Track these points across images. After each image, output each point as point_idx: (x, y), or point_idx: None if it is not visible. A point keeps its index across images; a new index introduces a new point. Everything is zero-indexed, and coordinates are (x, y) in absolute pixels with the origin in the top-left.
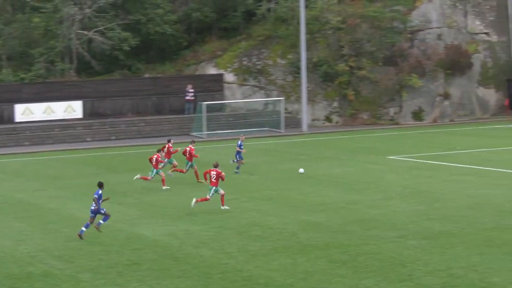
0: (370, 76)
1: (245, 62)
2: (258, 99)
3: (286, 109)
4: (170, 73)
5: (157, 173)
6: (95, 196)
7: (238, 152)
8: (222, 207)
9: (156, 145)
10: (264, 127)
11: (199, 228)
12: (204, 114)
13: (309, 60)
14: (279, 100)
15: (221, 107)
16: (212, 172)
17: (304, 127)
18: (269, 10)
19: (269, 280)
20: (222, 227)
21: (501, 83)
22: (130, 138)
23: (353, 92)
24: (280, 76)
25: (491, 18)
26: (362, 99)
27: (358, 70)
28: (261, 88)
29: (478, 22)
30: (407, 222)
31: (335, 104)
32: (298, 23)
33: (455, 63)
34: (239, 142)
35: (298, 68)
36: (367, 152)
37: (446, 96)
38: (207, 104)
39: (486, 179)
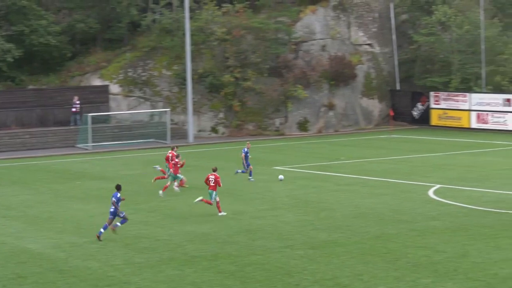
0: (255, 87)
1: (130, 73)
2: (143, 111)
3: (172, 120)
4: (55, 85)
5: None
6: (114, 199)
7: (246, 159)
8: (220, 214)
9: (41, 157)
10: (149, 138)
11: (86, 241)
12: (89, 126)
13: (194, 71)
14: (165, 111)
15: (106, 119)
16: (211, 177)
17: (190, 138)
18: (154, 21)
19: None
20: (109, 239)
21: (384, 93)
22: (14, 150)
23: (238, 103)
24: (165, 87)
25: (374, 30)
26: (248, 110)
27: (244, 81)
28: (146, 99)
29: (361, 33)
30: (294, 232)
31: (221, 115)
32: (183, 34)
33: (339, 74)
34: (246, 149)
35: (184, 79)
36: (253, 163)
37: (331, 106)
38: (92, 115)
39: (369, 189)
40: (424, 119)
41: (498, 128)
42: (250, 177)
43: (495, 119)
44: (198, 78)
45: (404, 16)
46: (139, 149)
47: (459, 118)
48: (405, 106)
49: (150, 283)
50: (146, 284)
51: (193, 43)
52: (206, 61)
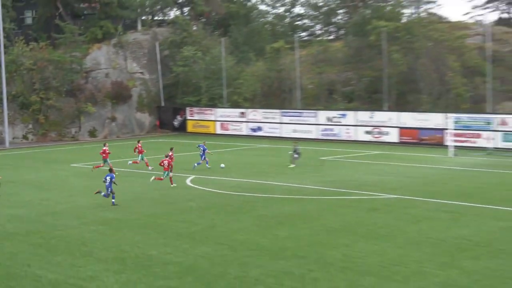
0: (56, 105)
1: None
2: None
3: None
4: None
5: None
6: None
7: (203, 152)
8: (172, 185)
9: None
10: None
11: None
12: None
13: (9, 93)
14: None
15: None
16: (165, 161)
17: (7, 143)
18: None
19: None
20: None
21: (153, 109)
22: None
23: (43, 117)
24: None
25: (144, 61)
26: (51, 122)
27: (47, 100)
28: None
29: (135, 64)
30: (87, 213)
31: (30, 126)
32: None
33: (119, 95)
34: (203, 145)
35: (1, 99)
36: (56, 162)
37: (113, 119)
38: None
39: (144, 180)
40: (182, 128)
41: (236, 133)
42: (207, 165)
43: (234, 127)
44: (12, 98)
45: (166, 52)
46: None
47: (208, 127)
48: (168, 118)
49: None
50: None
51: (7, 72)
52: (18, 85)
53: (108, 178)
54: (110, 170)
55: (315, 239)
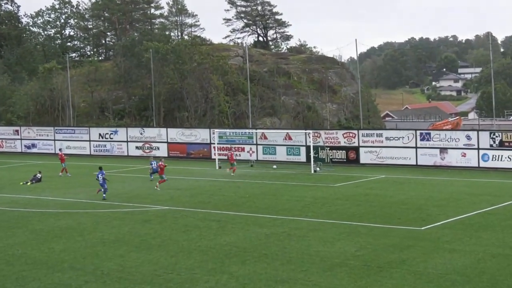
0: None
1: None
2: None
3: None
4: None
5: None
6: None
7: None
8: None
9: None
10: None
11: None
12: None
13: None
14: None
15: None
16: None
17: None
18: None
19: None
20: None
21: None
22: None
23: None
24: None
25: None
26: None
27: None
28: None
29: None
30: None
31: None
32: None
33: None
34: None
35: None
36: None
37: None
38: None
39: None
40: None
41: (10, 151)
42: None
43: (8, 144)
44: None
45: None
46: None
47: None
48: None
49: None
50: None
51: None
52: None
53: (100, 176)
54: (100, 168)
55: (91, 251)
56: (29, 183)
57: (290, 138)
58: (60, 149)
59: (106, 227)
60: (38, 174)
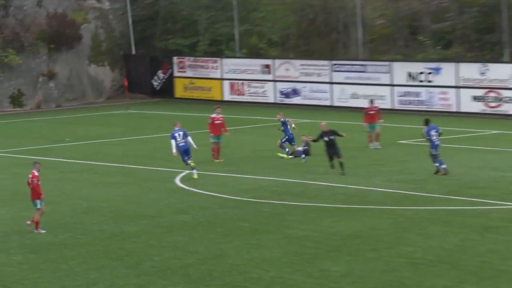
0: None
1: None
2: None
3: None
4: None
5: None
6: None
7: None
8: None
9: None
10: None
11: None
12: None
13: None
14: None
15: None
16: None
17: None
18: None
19: None
20: None
21: (116, 59)
22: None
23: None
24: None
25: None
26: None
27: None
28: None
29: None
30: (9, 232)
31: None
32: None
33: (61, 36)
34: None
35: None
36: None
37: (51, 76)
38: None
39: (102, 177)
40: (166, 91)
41: (256, 100)
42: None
43: (252, 90)
44: None
45: None
46: None
47: (209, 89)
48: (143, 75)
49: None
50: None
51: None
52: None
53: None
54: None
55: (391, 278)
56: (289, 156)
57: None
58: (371, 100)
59: (418, 236)
60: (303, 142)
